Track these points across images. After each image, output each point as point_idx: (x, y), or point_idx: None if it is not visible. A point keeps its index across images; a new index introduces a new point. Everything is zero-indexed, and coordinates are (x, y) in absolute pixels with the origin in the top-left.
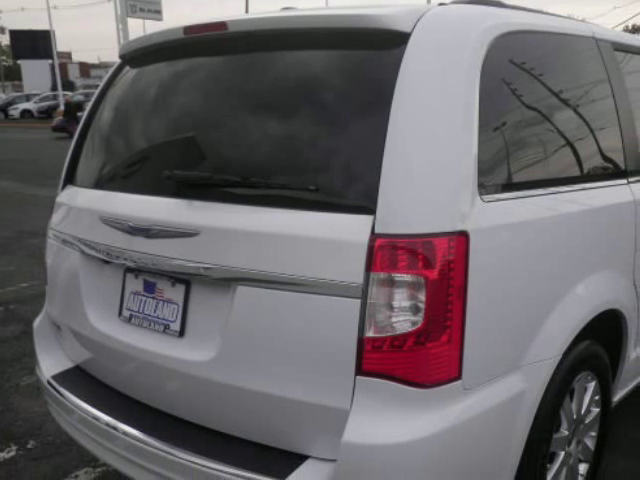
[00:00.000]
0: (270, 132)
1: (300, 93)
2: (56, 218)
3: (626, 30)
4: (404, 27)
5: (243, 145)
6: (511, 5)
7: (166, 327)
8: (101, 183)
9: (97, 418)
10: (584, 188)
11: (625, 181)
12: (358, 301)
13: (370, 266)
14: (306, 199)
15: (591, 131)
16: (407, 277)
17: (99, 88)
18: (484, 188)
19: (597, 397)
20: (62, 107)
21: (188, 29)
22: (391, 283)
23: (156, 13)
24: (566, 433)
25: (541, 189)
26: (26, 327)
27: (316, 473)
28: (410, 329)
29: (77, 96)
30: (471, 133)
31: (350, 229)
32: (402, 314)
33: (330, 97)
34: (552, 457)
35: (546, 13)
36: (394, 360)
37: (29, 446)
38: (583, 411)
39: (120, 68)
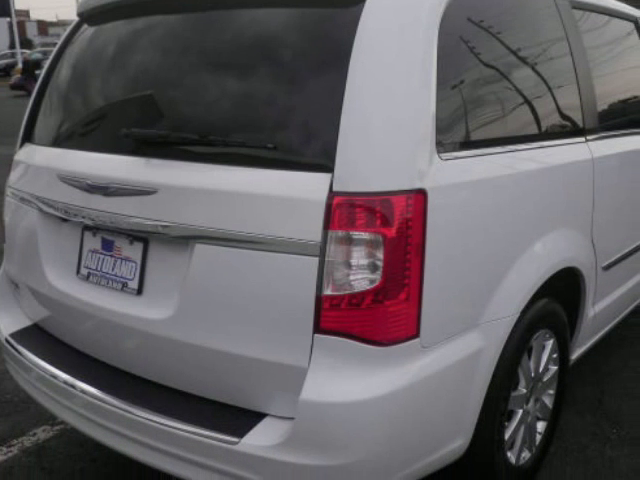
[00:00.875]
0: (228, 90)
1: (258, 51)
2: (14, 176)
3: None
4: None
5: (201, 103)
6: None
7: (124, 285)
8: (59, 141)
9: (55, 376)
10: (542, 146)
11: (583, 139)
12: (316, 259)
13: (328, 224)
14: (264, 157)
15: (549, 89)
16: (365, 235)
17: (57, 46)
18: (442, 146)
19: (555, 355)
20: (20, 65)
21: None
22: (349, 241)
23: None
24: (524, 391)
25: (499, 147)
26: None
27: (274, 431)
28: (368, 287)
29: (35, 54)
30: (429, 91)
31: (308, 187)
32: (360, 272)
33: (288, 55)
34: (510, 415)
35: None
36: (352, 318)
37: None
38: (541, 369)
39: (78, 26)
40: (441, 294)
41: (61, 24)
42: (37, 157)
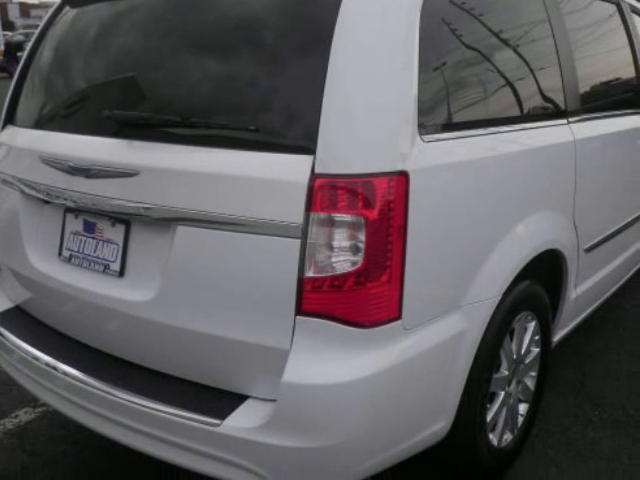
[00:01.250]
0: (211, 72)
1: (241, 33)
2: None
3: None
4: None
5: (183, 85)
6: None
7: (106, 267)
8: (41, 123)
9: (37, 358)
10: (524, 128)
11: (565, 121)
12: (298, 241)
13: (310, 206)
14: (246, 139)
15: (531, 71)
16: (347, 217)
17: (39, 28)
18: (424, 128)
19: (537, 337)
20: (2, 47)
21: None
22: (331, 223)
23: None
24: (506, 373)
25: (481, 129)
26: None
27: (256, 413)
28: (350, 269)
29: (17, 36)
30: (411, 73)
31: (290, 169)
32: (342, 254)
33: (271, 37)
34: (492, 397)
35: None
36: (334, 300)
37: None
38: (523, 351)
39: (60, 8)
40: (423, 276)
41: (43, 6)
42: (19, 139)
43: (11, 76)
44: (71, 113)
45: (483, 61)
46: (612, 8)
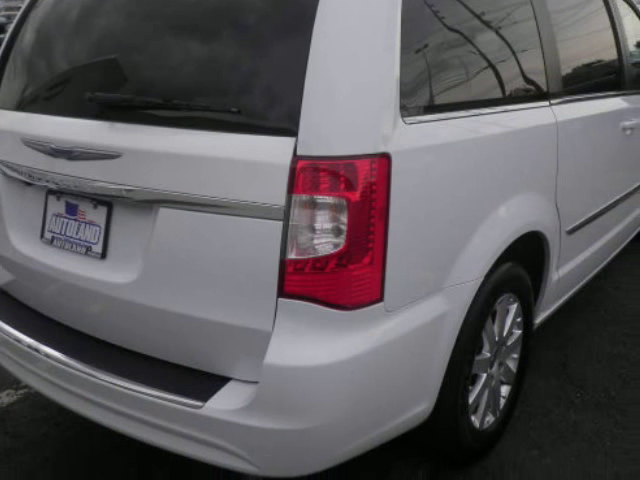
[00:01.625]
0: (193, 54)
1: (223, 14)
2: None
3: None
4: None
5: (166, 67)
6: None
7: (88, 249)
8: (23, 105)
9: (19, 340)
10: (506, 110)
11: (547, 103)
12: (280, 223)
13: (292, 188)
14: (228, 121)
15: (513, 53)
16: (329, 199)
17: (21, 10)
18: (406, 110)
19: (519, 319)
20: None
21: None
22: (313, 205)
23: None
24: (488, 355)
25: (463, 111)
26: None
27: (238, 395)
28: (332, 251)
29: None
30: (393, 55)
31: (272, 151)
32: (324, 236)
33: (253, 19)
34: (474, 379)
35: None
36: (316, 282)
37: None
38: (505, 333)
39: None
40: (405, 258)
41: None
42: (1, 121)
43: None
44: (53, 95)
45: (465, 43)
46: None
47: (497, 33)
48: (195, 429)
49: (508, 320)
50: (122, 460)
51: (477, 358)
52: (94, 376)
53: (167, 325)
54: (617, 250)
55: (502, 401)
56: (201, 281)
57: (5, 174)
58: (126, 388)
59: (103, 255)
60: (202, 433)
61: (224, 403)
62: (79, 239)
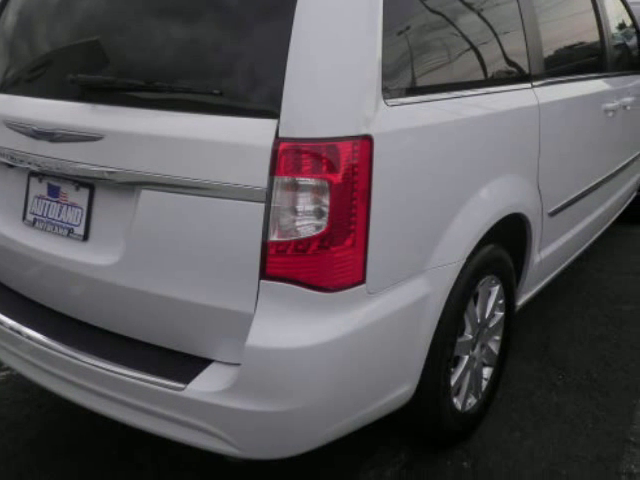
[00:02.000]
0: (174, 36)
1: None
2: None
3: None
4: None
5: (148, 49)
6: None
7: (70, 231)
8: (5, 87)
9: (1, 322)
10: (488, 92)
11: (529, 85)
12: (262, 205)
13: (274, 170)
14: (210, 103)
15: (495, 35)
16: (311, 181)
17: None
18: (388, 92)
19: (501, 301)
20: None
21: None
22: (295, 187)
23: None
24: (470, 337)
25: (445, 93)
26: None
27: (220, 377)
28: (314, 233)
29: None
30: (375, 37)
31: (254, 133)
32: (306, 218)
33: (235, 0)
34: (456, 361)
35: None
36: (298, 264)
37: None
38: (487, 315)
39: None
40: (387, 240)
41: None
42: None
43: None
44: (35, 77)
45: (447, 25)
46: None
47: (479, 15)
48: (177, 411)
49: (490, 302)
50: (104, 442)
51: (459, 340)
52: (76, 358)
53: (149, 307)
54: (599, 232)
55: (484, 383)
56: (183, 263)
57: None
58: (108, 370)
59: (85, 237)
60: (184, 415)
61: (206, 385)
62: (61, 221)
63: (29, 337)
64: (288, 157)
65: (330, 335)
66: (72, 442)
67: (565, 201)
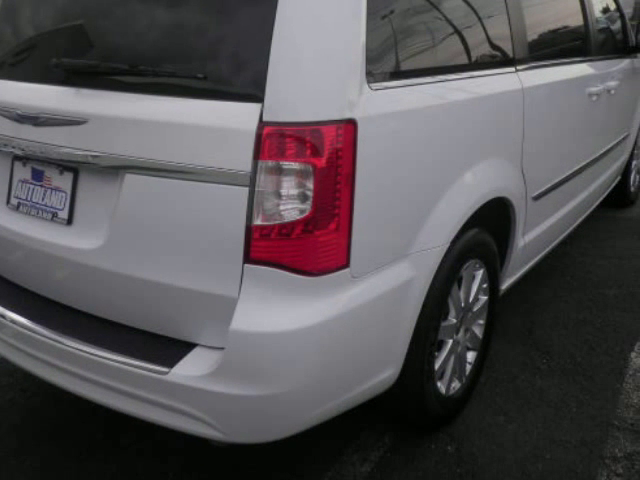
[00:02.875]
0: (158, 20)
1: None
2: None
3: None
4: None
5: (131, 33)
6: None
7: (54, 215)
8: None
9: None
10: (472, 76)
11: (513, 69)
12: (246, 189)
13: (258, 154)
14: (194, 87)
15: (479, 19)
16: (295, 165)
17: None
18: (372, 76)
19: (485, 285)
20: None
21: None
22: (279, 171)
23: None
24: (454, 321)
25: (429, 77)
26: None
27: (204, 361)
28: (298, 217)
29: None
30: (359, 21)
31: (238, 117)
32: (290, 202)
33: None
34: (440, 345)
35: None
36: (282, 248)
37: None
38: (471, 299)
39: None
40: (371, 224)
41: None
42: None
43: None
44: (19, 61)
45: (431, 9)
46: None
47: None
48: (161, 395)
49: (474, 286)
50: (88, 426)
51: (443, 324)
52: (60, 342)
53: (133, 291)
54: (583, 216)
55: (468, 367)
56: (167, 247)
57: None
58: (92, 354)
59: (69, 221)
60: (168, 399)
61: (190, 369)
62: (45, 205)
63: (13, 321)
64: (272, 141)
65: (314, 319)
66: (56, 426)
67: (549, 185)
